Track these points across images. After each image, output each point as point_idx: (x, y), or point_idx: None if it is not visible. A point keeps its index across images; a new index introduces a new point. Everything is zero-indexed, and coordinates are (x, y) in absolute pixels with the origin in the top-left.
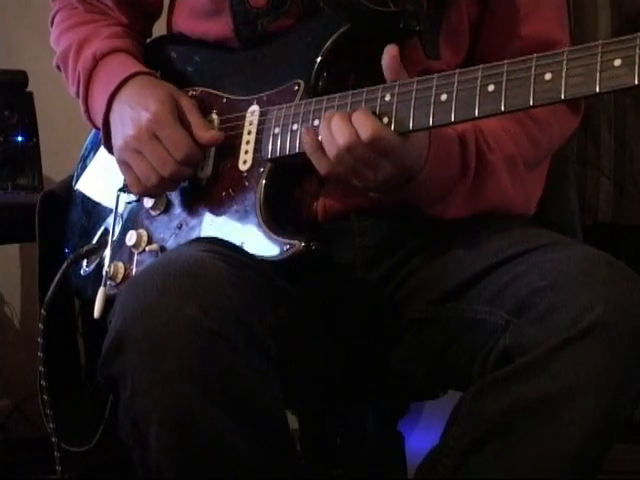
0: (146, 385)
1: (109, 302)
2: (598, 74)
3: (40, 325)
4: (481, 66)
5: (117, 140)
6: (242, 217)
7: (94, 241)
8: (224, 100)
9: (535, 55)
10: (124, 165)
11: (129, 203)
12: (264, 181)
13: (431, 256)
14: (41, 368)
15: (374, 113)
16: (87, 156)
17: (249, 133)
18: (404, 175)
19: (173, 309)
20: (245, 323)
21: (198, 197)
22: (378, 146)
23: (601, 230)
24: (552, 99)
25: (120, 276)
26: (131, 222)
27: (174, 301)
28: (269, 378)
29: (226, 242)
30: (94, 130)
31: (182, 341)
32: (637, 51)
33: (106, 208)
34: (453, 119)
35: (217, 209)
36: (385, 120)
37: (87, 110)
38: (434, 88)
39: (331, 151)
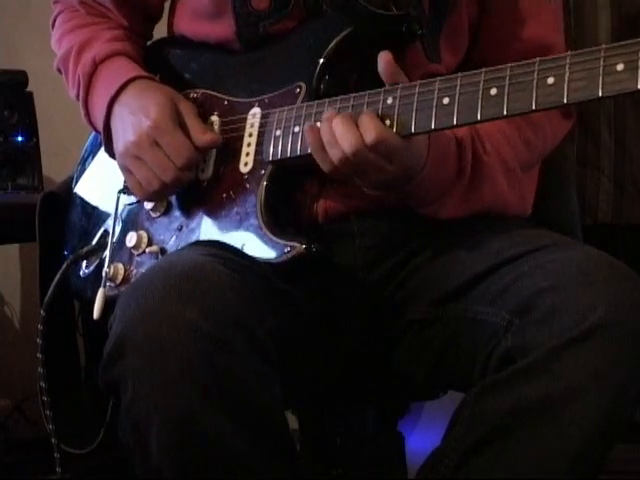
0: (147, 389)
1: (109, 303)
2: (601, 78)
3: (39, 326)
4: (483, 70)
5: (118, 146)
6: (243, 219)
7: (94, 242)
8: (225, 102)
9: (538, 59)
10: (126, 171)
11: (129, 205)
12: (265, 183)
13: (432, 257)
14: (40, 369)
15: (377, 115)
16: (86, 159)
17: (250, 135)
18: (405, 175)
19: (174, 313)
20: (245, 327)
21: (199, 199)
22: (382, 149)
23: (601, 230)
24: (554, 103)
25: (120, 277)
26: (131, 223)
27: (174, 305)
28: (269, 380)
29: (226, 245)
30: (94, 132)
31: (182, 345)
32: None
33: (106, 210)
34: (455, 122)
35: (218, 211)
36: (387, 123)
37: (87, 114)
38: (436, 91)
39: (335, 155)
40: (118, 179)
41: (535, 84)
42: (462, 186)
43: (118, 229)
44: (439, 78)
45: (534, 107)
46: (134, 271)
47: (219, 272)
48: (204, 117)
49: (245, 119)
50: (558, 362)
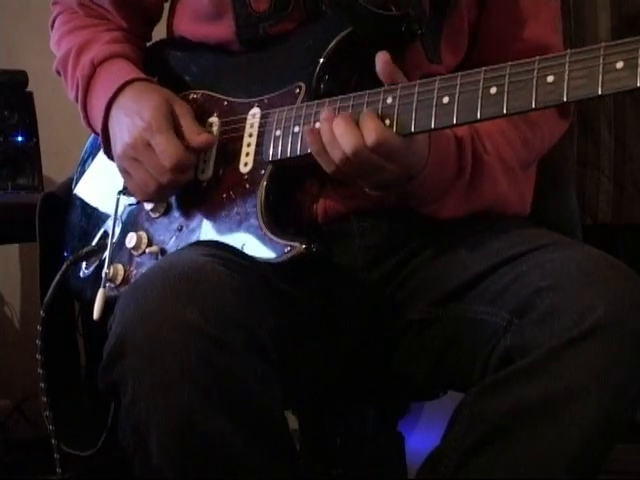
0: (147, 390)
1: (109, 304)
2: (600, 76)
3: (39, 327)
4: (483, 69)
5: (116, 148)
6: (243, 219)
7: (94, 243)
8: (225, 103)
9: (537, 58)
10: (124, 172)
11: (129, 205)
12: (265, 183)
13: (432, 257)
14: (40, 370)
15: (378, 115)
16: (86, 160)
17: (250, 135)
18: (406, 175)
19: (173, 314)
20: (245, 327)
21: (198, 199)
22: (383, 150)
23: (601, 230)
24: (554, 101)
25: (120, 278)
26: (131, 224)
27: (174, 306)
28: (269, 380)
29: (226, 245)
30: (94, 134)
31: (182, 346)
32: (639, 53)
33: (105, 211)
34: (455, 121)
35: (217, 211)
36: (387, 122)
37: (86, 116)
38: (436, 91)
39: (336, 155)
40: (117, 180)
41: (535, 83)
42: (462, 185)
43: (118, 230)
44: (439, 77)
45: (534, 106)
46: (134, 272)
47: (219, 272)
48: (204, 118)
49: (245, 119)
50: (558, 362)
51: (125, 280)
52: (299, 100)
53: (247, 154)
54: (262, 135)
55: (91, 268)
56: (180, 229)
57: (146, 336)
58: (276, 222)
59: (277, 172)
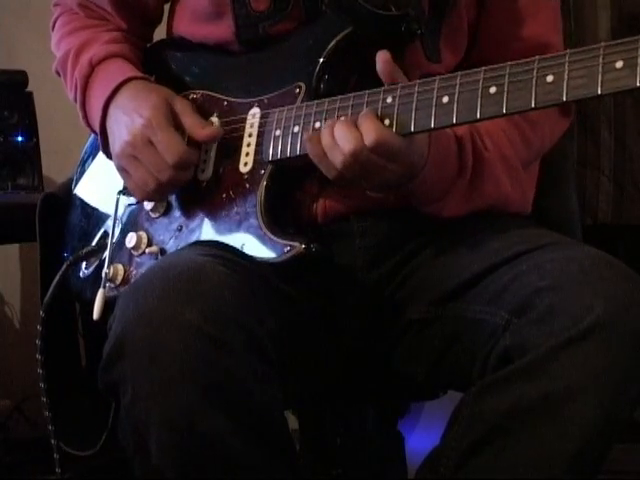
0: (146, 390)
1: (108, 304)
2: (600, 76)
3: (39, 327)
4: (483, 68)
5: (114, 147)
6: (242, 219)
7: (93, 243)
8: (225, 103)
9: (537, 57)
10: (123, 171)
11: (129, 205)
12: (265, 183)
13: (431, 256)
14: (40, 370)
15: (376, 116)
16: (86, 160)
17: (250, 135)
18: (408, 174)
19: (173, 314)
20: (245, 327)
21: (198, 199)
22: (383, 150)
23: (601, 230)
24: (554, 101)
25: (119, 278)
26: (131, 224)
27: (174, 306)
28: (268, 380)
29: (226, 245)
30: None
31: (182, 346)
32: (639, 53)
33: (105, 211)
34: (455, 121)
35: (217, 211)
36: (387, 122)
37: (85, 116)
38: (436, 90)
39: (336, 158)
40: (117, 180)
41: (534, 82)
42: (464, 184)
43: (118, 230)
44: (438, 77)
45: (533, 105)
46: (134, 272)
47: (218, 272)
48: (204, 118)
49: (245, 119)
50: (557, 361)
51: (125, 280)
52: (299, 100)
53: (247, 154)
54: (262, 135)
55: (91, 268)
56: (180, 229)
57: (146, 336)
58: (276, 222)
59: (277, 172)
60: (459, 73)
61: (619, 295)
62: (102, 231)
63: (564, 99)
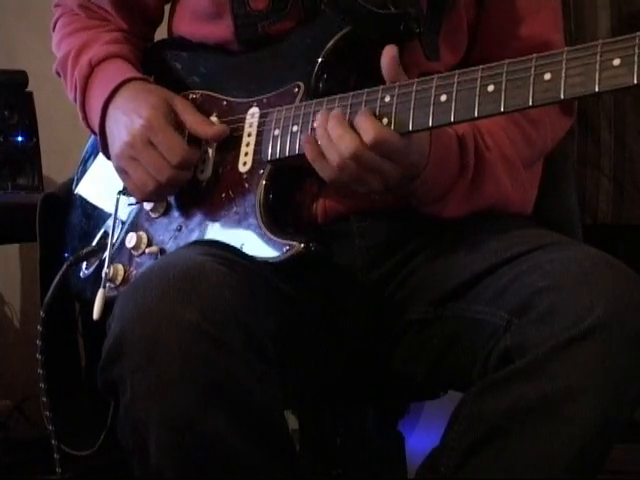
0: (145, 389)
1: (108, 304)
2: (597, 74)
3: (39, 327)
4: (481, 67)
5: (113, 148)
6: (242, 219)
7: (94, 243)
8: (224, 103)
9: (535, 55)
10: (122, 172)
11: (129, 205)
12: (264, 182)
13: (432, 256)
14: (40, 370)
15: (374, 115)
16: (87, 159)
17: (249, 135)
18: (408, 174)
19: (172, 313)
20: (244, 327)
21: (198, 199)
22: (382, 149)
23: (601, 230)
24: (551, 99)
25: (120, 278)
26: (131, 224)
27: (173, 305)
28: (268, 380)
29: (225, 245)
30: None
31: (181, 345)
32: (636, 50)
33: (106, 211)
34: (453, 119)
35: (217, 211)
36: (385, 121)
37: (85, 117)
38: (434, 89)
39: (334, 159)
40: (118, 180)
41: (532, 80)
42: (465, 184)
43: (118, 230)
44: (436, 75)
45: (531, 103)
46: (134, 272)
47: (218, 271)
48: None
49: (244, 119)
50: (557, 362)
51: (125, 280)
52: (298, 99)
53: (246, 154)
54: (261, 135)
55: (91, 268)
56: (179, 229)
57: (145, 335)
58: (275, 221)
59: (276, 172)
60: (457, 71)
61: (619, 295)
62: (102, 231)
63: (562, 97)
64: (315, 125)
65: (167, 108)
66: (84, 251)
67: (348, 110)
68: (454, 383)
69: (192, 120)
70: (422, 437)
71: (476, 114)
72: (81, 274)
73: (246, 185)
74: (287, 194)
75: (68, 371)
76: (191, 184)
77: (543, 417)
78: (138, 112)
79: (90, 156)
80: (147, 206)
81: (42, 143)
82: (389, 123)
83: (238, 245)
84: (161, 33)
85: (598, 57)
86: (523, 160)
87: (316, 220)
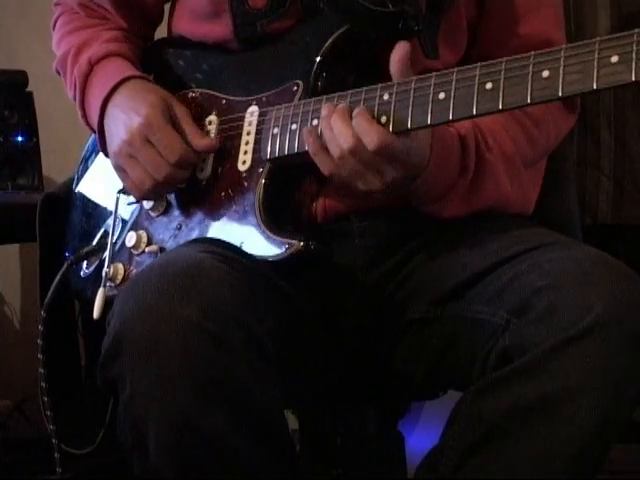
0: (145, 386)
1: (109, 303)
2: (595, 71)
3: (40, 327)
4: (479, 64)
5: (112, 145)
6: (241, 217)
7: (94, 243)
8: (224, 101)
9: (532, 53)
10: (120, 170)
11: (129, 204)
12: (263, 181)
13: (431, 256)
14: (41, 370)
15: (373, 116)
16: (88, 158)
17: (248, 134)
18: (409, 175)
19: (171, 310)
20: (244, 324)
21: (197, 198)
22: (383, 153)
23: (601, 230)
24: (550, 96)
25: (120, 277)
26: (131, 223)
27: (172, 302)
28: (268, 379)
29: (225, 243)
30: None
31: (181, 342)
32: (634, 47)
33: (106, 210)
34: (451, 117)
35: (216, 210)
36: (383, 119)
37: (84, 115)
38: (432, 87)
39: (335, 152)
40: (118, 179)
41: (530, 78)
42: (465, 184)
43: (118, 229)
44: (435, 73)
45: (529, 101)
46: (134, 271)
47: (218, 269)
48: (202, 116)
49: (243, 118)
50: (556, 361)
51: (125, 279)
52: (297, 98)
53: (245, 152)
54: (260, 133)
55: (92, 267)
56: (179, 228)
57: (144, 332)
58: (275, 220)
59: (275, 170)
60: (455, 69)
61: (618, 295)
62: (102, 230)
63: (560, 94)
64: (321, 116)
65: (166, 106)
66: (84, 250)
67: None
68: (454, 383)
69: (187, 130)
70: (422, 437)
71: (474, 112)
72: (81, 273)
73: (245, 184)
74: (287, 193)
75: (68, 370)
76: (191, 183)
77: (542, 417)
78: (137, 110)
79: (91, 154)
80: (147, 205)
81: (42, 143)
82: (388, 121)
83: (238, 243)
84: (161, 32)
85: (596, 54)
86: (524, 159)
87: (316, 219)
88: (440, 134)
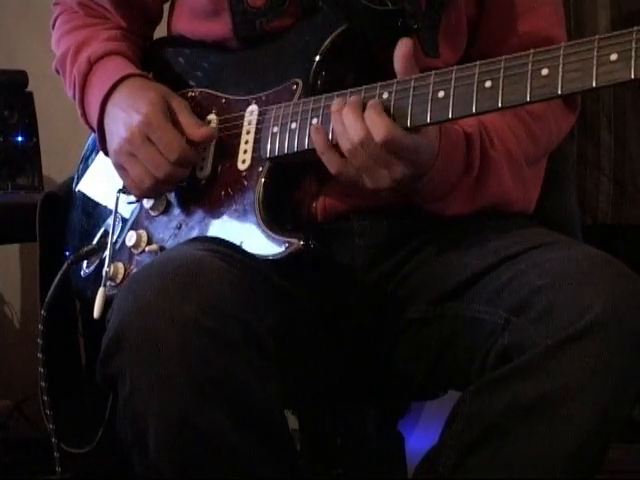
0: (144, 383)
1: (109, 303)
2: (594, 69)
3: (40, 326)
4: (478, 62)
5: (112, 144)
6: (241, 216)
7: (94, 242)
8: (223, 100)
9: (532, 51)
10: (120, 169)
11: (129, 204)
12: (263, 180)
13: (431, 256)
14: (41, 369)
15: (384, 110)
16: (88, 156)
17: (248, 133)
18: (417, 173)
19: (171, 307)
20: (244, 322)
21: (197, 197)
22: (391, 147)
23: (601, 230)
24: (549, 94)
25: (120, 276)
26: (131, 223)
27: (172, 299)
28: (267, 377)
29: (225, 241)
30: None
31: (180, 339)
32: (633, 45)
33: (106, 209)
34: (451, 116)
35: (216, 209)
36: None
37: (84, 114)
38: (431, 85)
39: (345, 145)
40: (119, 178)
41: (529, 76)
42: (469, 182)
43: (118, 228)
44: (434, 72)
45: (529, 99)
46: (134, 270)
47: (217, 267)
48: (202, 115)
49: (243, 116)
50: (555, 360)
51: (125, 279)
52: (296, 97)
53: (245, 151)
54: (260, 132)
55: (92, 267)
56: (179, 227)
57: (144, 329)
58: (274, 219)
59: (275, 169)
60: (454, 68)
61: (618, 295)
62: (103, 230)
63: (559, 92)
64: (332, 110)
65: (165, 104)
66: (84, 250)
67: None
68: (453, 382)
69: (184, 122)
70: (422, 437)
71: (474, 110)
72: (82, 273)
73: (245, 183)
74: (286, 192)
75: (68, 370)
76: (190, 182)
77: (541, 416)
78: (136, 108)
79: (91, 153)
80: (147, 204)
81: (42, 143)
82: None
83: (238, 242)
84: (161, 32)
85: (595, 52)
86: (527, 157)
87: (316, 218)
88: (447, 132)
